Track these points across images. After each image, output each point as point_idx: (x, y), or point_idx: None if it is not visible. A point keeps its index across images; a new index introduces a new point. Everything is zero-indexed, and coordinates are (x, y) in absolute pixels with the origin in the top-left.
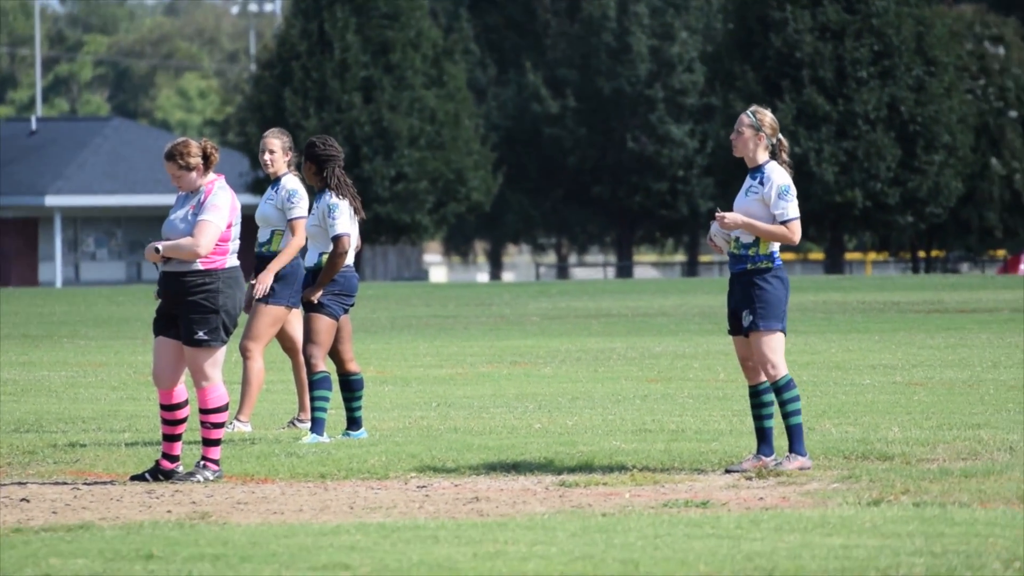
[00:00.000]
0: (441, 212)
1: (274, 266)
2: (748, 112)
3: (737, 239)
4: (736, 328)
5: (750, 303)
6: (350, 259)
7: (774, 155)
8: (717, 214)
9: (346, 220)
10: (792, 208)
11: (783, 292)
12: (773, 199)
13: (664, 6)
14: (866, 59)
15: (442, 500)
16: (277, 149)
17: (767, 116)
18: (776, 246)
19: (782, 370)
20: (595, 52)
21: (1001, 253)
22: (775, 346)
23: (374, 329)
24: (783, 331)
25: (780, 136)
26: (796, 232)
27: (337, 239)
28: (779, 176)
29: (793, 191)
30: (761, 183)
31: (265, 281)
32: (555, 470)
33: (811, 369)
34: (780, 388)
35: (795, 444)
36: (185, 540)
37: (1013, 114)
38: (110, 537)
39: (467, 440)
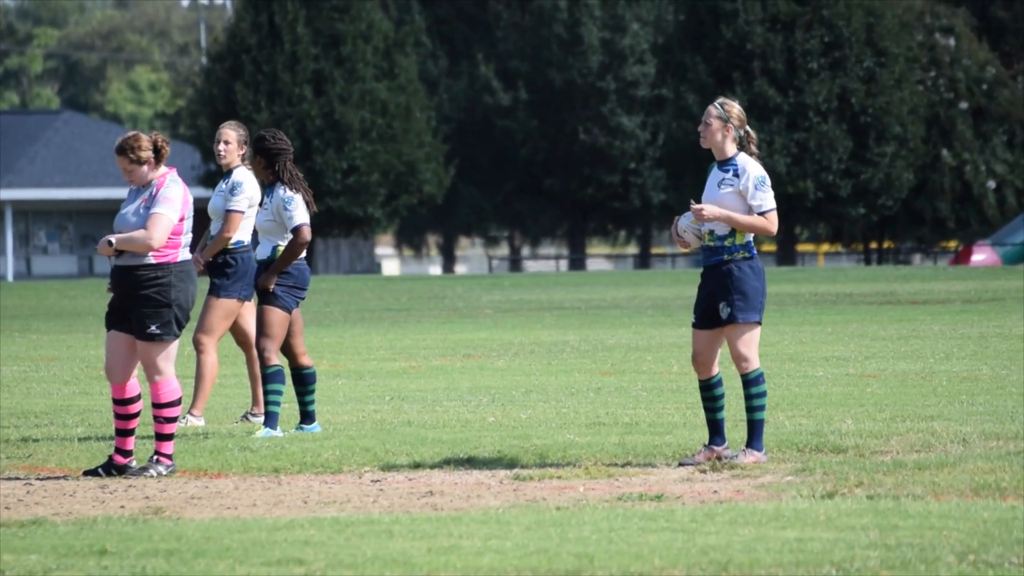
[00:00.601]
0: (393, 205)
1: (206, 254)
2: (716, 104)
3: (712, 231)
4: (706, 322)
5: (727, 294)
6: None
7: (742, 147)
8: (694, 206)
9: (303, 211)
10: (769, 199)
11: (759, 283)
12: (751, 190)
13: None
14: (817, 50)
15: (396, 494)
16: (232, 140)
17: (735, 108)
18: (751, 237)
19: (754, 363)
20: (546, 44)
21: (953, 244)
22: (750, 338)
23: (327, 322)
24: (760, 323)
25: (748, 128)
26: (774, 223)
27: (297, 229)
28: (754, 168)
29: (768, 182)
30: (736, 175)
31: (198, 264)
32: (509, 464)
33: (764, 361)
34: (751, 381)
35: (754, 439)
36: (139, 535)
37: (964, 105)
38: (63, 533)
39: (421, 434)
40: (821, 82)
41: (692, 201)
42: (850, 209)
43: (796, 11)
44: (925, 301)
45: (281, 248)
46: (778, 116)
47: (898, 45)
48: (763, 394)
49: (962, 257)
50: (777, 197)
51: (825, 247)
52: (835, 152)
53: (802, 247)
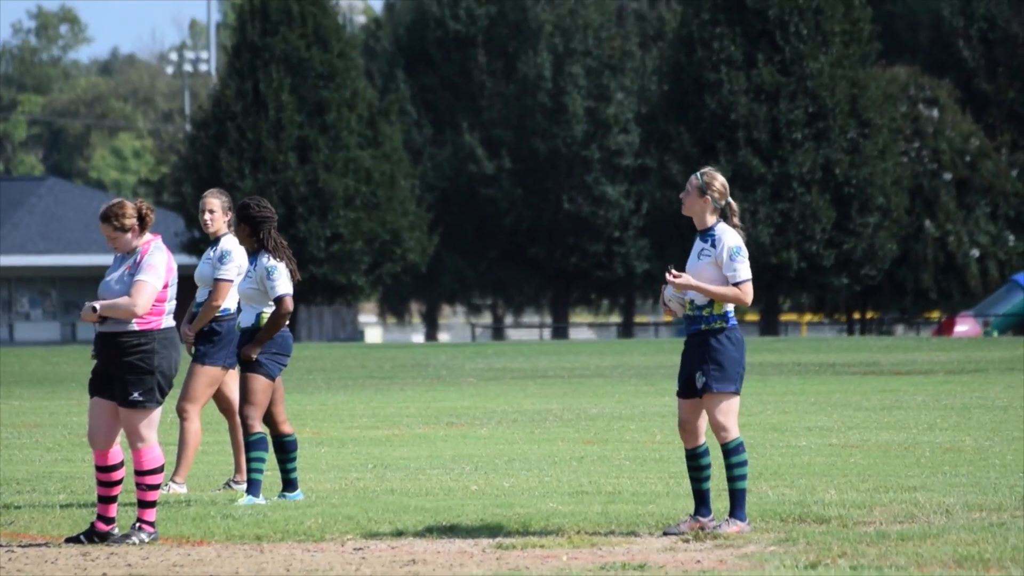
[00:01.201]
0: (377, 273)
1: (195, 327)
2: (697, 173)
3: (692, 301)
4: (687, 391)
5: (704, 364)
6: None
7: (724, 217)
8: (670, 273)
9: (286, 280)
10: (744, 269)
11: (737, 353)
12: (725, 260)
13: (600, 67)
14: (801, 121)
15: (379, 563)
16: (217, 209)
17: (717, 179)
18: (730, 307)
19: (733, 433)
20: (531, 113)
21: (936, 315)
22: (728, 409)
23: (310, 390)
24: (737, 392)
25: (730, 199)
26: (748, 293)
27: (280, 300)
28: (730, 238)
29: (745, 253)
30: (713, 245)
31: (188, 338)
32: (492, 532)
33: (747, 431)
34: (730, 451)
35: (737, 509)
36: None
37: (947, 176)
38: None
39: (404, 502)
40: (805, 152)
41: (669, 268)
42: (833, 279)
43: (780, 82)
44: (908, 372)
45: (265, 316)
46: (762, 186)
47: (882, 116)
48: (744, 463)
49: (945, 328)
50: (760, 267)
51: (808, 317)
52: (818, 222)
53: (785, 317)
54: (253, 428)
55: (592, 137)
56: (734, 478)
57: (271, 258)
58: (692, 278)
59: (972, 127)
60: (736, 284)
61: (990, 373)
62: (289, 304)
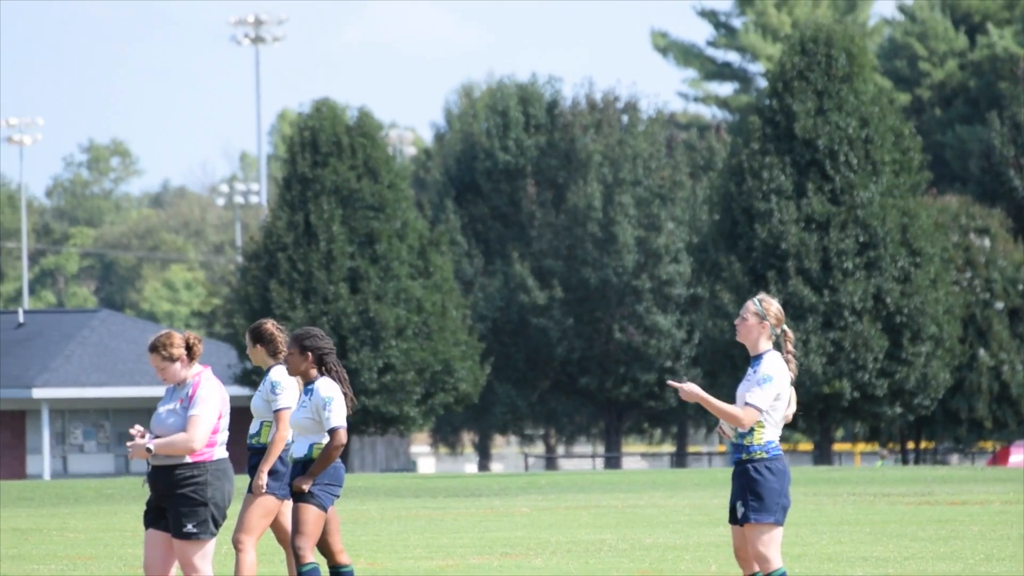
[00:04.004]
0: (429, 403)
1: (267, 462)
2: (755, 300)
3: (736, 428)
4: (735, 518)
5: (744, 495)
6: None
7: (777, 345)
8: (670, 383)
9: (341, 412)
10: (758, 395)
11: (778, 484)
12: (752, 383)
13: (650, 197)
14: (851, 250)
15: None
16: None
17: (773, 306)
18: (773, 436)
19: (774, 564)
20: (581, 243)
21: (990, 445)
22: (768, 539)
23: (364, 520)
24: (778, 523)
25: (785, 327)
26: (749, 417)
27: (334, 432)
28: (767, 366)
29: (774, 382)
30: (755, 371)
31: (260, 479)
32: None
33: (803, 561)
34: None
35: None
36: None
37: (1000, 305)
38: None
39: None
40: (856, 282)
41: (668, 379)
42: (886, 409)
43: (831, 211)
44: (963, 502)
45: (318, 447)
46: (813, 315)
47: (933, 245)
48: None
49: (1000, 458)
50: (813, 396)
51: (862, 446)
52: (870, 351)
53: (838, 446)
54: (305, 559)
55: (643, 267)
56: None
57: (327, 387)
58: (697, 389)
59: (1023, 256)
60: (746, 404)
61: None
62: (342, 436)
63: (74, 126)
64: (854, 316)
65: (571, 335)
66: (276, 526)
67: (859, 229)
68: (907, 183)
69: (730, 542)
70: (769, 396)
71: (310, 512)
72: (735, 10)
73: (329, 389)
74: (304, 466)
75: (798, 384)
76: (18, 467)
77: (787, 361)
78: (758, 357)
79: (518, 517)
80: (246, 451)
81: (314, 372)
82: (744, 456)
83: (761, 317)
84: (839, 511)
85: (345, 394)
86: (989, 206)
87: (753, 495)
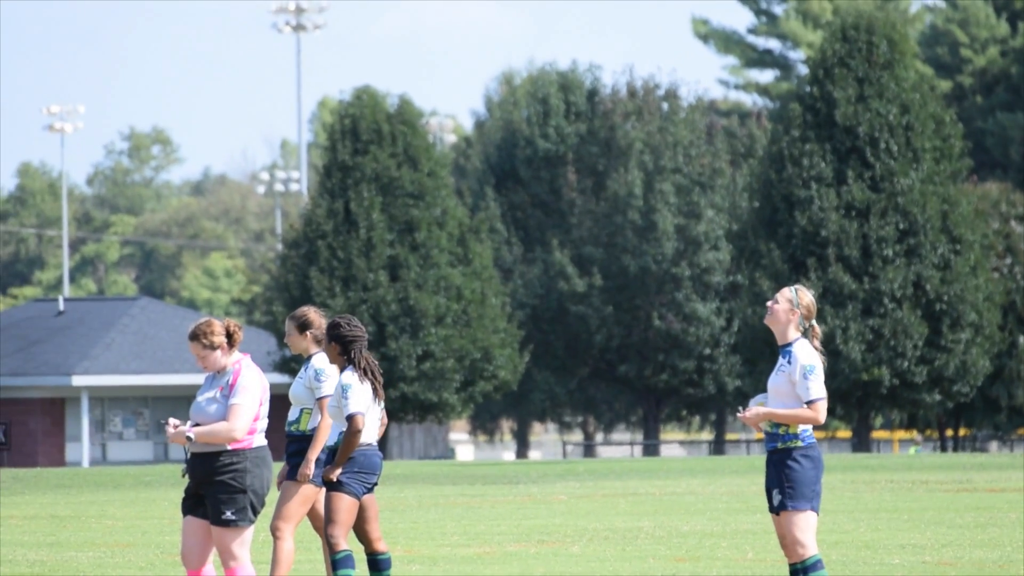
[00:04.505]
0: (468, 391)
1: (313, 450)
2: (791, 288)
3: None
4: (772, 507)
5: (779, 483)
6: (371, 437)
7: (805, 336)
8: (739, 415)
9: (359, 399)
10: (815, 388)
11: (813, 471)
12: (798, 379)
13: (690, 185)
14: (892, 237)
15: None
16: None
17: (807, 296)
18: (805, 425)
19: (810, 550)
20: (621, 230)
21: None
22: (804, 526)
23: (401, 508)
24: (813, 510)
25: (814, 322)
26: (820, 412)
27: (351, 418)
28: (804, 355)
29: (818, 370)
30: (789, 362)
31: (309, 467)
32: None
33: (840, 548)
34: (807, 569)
35: None
36: None
37: None
38: None
39: None
40: (896, 269)
41: (740, 409)
42: (925, 396)
43: (871, 198)
44: (1002, 489)
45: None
46: (853, 302)
47: (973, 232)
48: None
49: None
50: (851, 384)
51: (900, 434)
52: (910, 339)
53: (877, 434)
54: (338, 546)
55: (682, 254)
56: None
57: (348, 375)
58: (762, 409)
59: None
60: (808, 403)
61: None
62: (359, 422)
63: (115, 114)
64: (894, 303)
65: (610, 323)
66: (314, 514)
67: (899, 216)
68: (947, 170)
69: (767, 529)
70: (821, 383)
71: (341, 500)
72: None
73: (347, 377)
74: (333, 454)
75: (837, 371)
76: (57, 454)
77: None
78: (787, 347)
79: (555, 504)
80: (284, 438)
81: (342, 360)
82: (780, 445)
83: (793, 305)
84: (877, 498)
85: (373, 386)
86: None
87: (789, 483)
